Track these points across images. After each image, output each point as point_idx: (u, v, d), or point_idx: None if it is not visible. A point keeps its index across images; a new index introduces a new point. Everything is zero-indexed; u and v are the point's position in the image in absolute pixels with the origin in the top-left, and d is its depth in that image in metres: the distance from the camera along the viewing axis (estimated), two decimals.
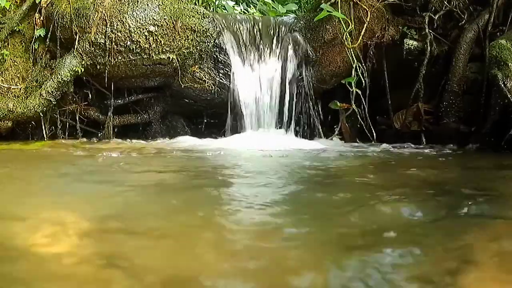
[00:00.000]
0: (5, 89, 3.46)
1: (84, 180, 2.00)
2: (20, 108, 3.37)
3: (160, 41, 3.46)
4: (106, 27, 3.37)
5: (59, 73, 3.40)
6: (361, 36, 3.76)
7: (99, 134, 3.77)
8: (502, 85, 3.11)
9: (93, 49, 3.40)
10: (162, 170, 2.30)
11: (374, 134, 3.89)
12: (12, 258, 1.00)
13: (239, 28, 3.82)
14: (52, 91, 3.39)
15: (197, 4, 4.11)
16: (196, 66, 3.75)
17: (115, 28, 3.37)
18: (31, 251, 1.06)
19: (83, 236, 1.16)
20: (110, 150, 2.99)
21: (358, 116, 3.91)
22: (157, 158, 2.83)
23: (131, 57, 3.46)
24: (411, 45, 3.75)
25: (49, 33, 3.51)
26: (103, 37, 3.37)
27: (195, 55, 3.68)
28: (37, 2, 3.52)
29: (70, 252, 1.05)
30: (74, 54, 3.42)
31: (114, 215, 1.37)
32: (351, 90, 3.84)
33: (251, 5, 5.64)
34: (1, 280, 0.89)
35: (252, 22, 3.90)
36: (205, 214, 1.42)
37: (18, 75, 3.52)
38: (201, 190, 1.81)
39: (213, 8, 4.69)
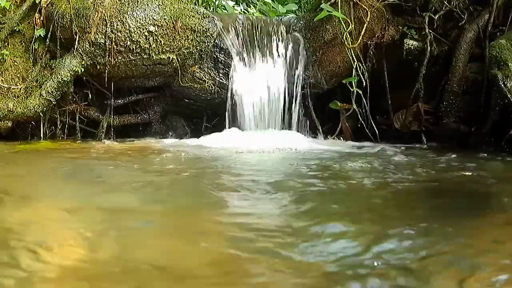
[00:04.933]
0: (5, 89, 3.46)
1: None
2: (20, 108, 3.36)
3: (160, 41, 3.46)
4: (106, 27, 3.37)
5: (59, 73, 3.40)
6: (361, 36, 3.76)
7: (98, 134, 3.77)
8: (502, 85, 3.11)
9: (93, 49, 3.40)
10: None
11: (373, 134, 3.89)
12: None
13: (239, 28, 3.82)
14: (52, 91, 3.39)
15: (197, 4, 4.11)
16: (196, 66, 3.75)
17: (115, 28, 3.37)
18: None
19: None
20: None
21: (359, 116, 3.91)
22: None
23: (131, 57, 3.46)
24: (411, 45, 3.75)
25: (49, 33, 3.51)
26: (103, 37, 3.37)
27: (195, 55, 3.68)
28: (37, 2, 3.52)
29: None
30: (74, 54, 3.42)
31: None
32: (352, 90, 3.84)
33: (251, 5, 5.63)
34: None
35: (252, 22, 3.90)
36: None
37: (18, 75, 3.52)
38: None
39: (213, 8, 4.69)
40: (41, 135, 3.55)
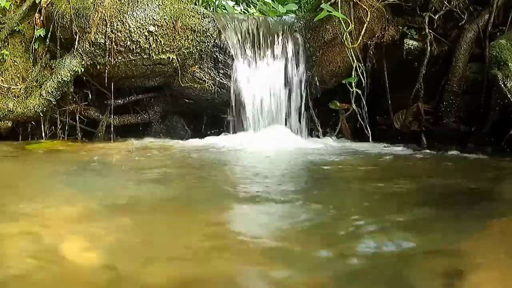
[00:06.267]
0: (5, 89, 3.46)
1: None
2: (20, 108, 3.36)
3: (160, 41, 3.46)
4: (106, 27, 3.36)
5: (59, 73, 3.40)
6: (361, 36, 3.76)
7: (98, 134, 3.77)
8: (502, 85, 3.11)
9: (93, 49, 3.40)
10: None
11: (370, 134, 3.89)
12: None
13: (239, 28, 3.82)
14: (52, 91, 3.39)
15: (197, 4, 4.11)
16: (196, 66, 3.75)
17: (115, 28, 3.37)
18: None
19: None
20: None
21: (358, 116, 3.91)
22: None
23: (131, 57, 3.45)
24: (411, 45, 3.75)
25: (49, 33, 3.51)
26: (103, 37, 3.37)
27: (195, 55, 3.67)
28: (37, 2, 3.52)
29: None
30: (74, 54, 3.42)
31: None
32: (351, 90, 3.84)
33: (251, 5, 5.63)
34: None
35: (252, 22, 3.89)
36: None
37: (18, 75, 3.52)
38: None
39: (213, 8, 4.69)
40: (43, 135, 3.55)
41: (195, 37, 3.60)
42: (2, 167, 2.48)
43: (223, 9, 4.94)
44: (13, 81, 3.50)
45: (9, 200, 1.66)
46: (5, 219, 1.37)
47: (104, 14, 3.36)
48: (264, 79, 3.80)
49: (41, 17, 3.54)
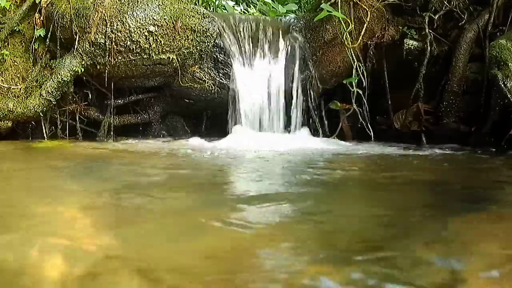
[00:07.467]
0: (5, 89, 3.46)
1: None
2: (20, 108, 3.36)
3: (160, 41, 3.46)
4: (106, 27, 3.37)
5: (59, 73, 3.40)
6: (361, 36, 3.76)
7: (99, 134, 3.77)
8: (502, 85, 3.12)
9: (93, 49, 3.40)
10: None
11: (372, 134, 3.89)
12: None
13: (239, 28, 3.82)
14: (52, 91, 3.39)
15: (197, 4, 4.11)
16: (196, 66, 3.75)
17: (115, 28, 3.37)
18: None
19: None
20: None
21: (359, 116, 3.91)
22: None
23: (131, 57, 3.45)
24: (411, 45, 3.75)
25: (49, 33, 3.51)
26: (103, 37, 3.37)
27: (195, 55, 3.68)
28: (37, 2, 3.52)
29: None
30: (74, 54, 3.42)
31: None
32: (352, 90, 3.84)
33: (251, 5, 5.64)
34: None
35: (252, 22, 3.90)
36: None
37: (18, 75, 3.52)
38: None
39: (213, 8, 4.70)
40: (44, 135, 3.54)
41: (195, 37, 3.60)
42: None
43: (223, 9, 4.94)
44: (13, 81, 3.50)
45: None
46: None
47: (104, 14, 3.36)
48: (263, 79, 3.80)
49: (41, 17, 3.54)
